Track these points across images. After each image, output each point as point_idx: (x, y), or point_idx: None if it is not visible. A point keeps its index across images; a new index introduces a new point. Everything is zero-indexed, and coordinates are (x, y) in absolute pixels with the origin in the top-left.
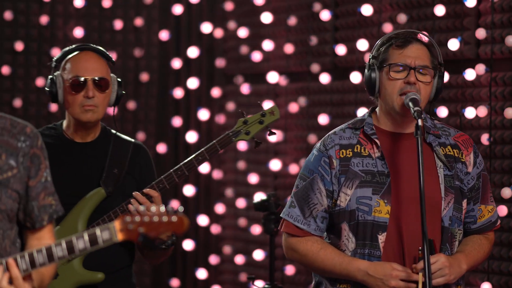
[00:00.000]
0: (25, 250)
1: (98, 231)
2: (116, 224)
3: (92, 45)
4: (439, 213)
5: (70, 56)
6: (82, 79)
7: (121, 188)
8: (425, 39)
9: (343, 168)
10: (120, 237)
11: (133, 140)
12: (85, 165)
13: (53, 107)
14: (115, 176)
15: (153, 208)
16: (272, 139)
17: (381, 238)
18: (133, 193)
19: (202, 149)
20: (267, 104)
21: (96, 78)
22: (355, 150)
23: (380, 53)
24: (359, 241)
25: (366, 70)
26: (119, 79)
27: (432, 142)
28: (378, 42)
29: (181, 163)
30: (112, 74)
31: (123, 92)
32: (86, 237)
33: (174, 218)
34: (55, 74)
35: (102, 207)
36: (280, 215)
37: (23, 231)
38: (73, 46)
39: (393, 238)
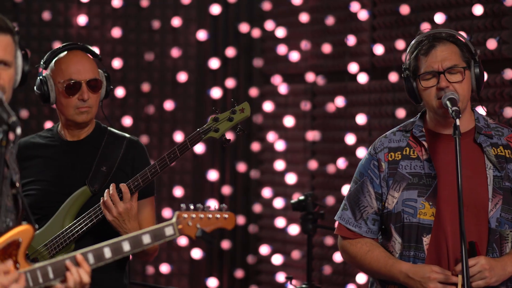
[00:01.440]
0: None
1: (162, 227)
2: (177, 220)
3: (78, 43)
4: (486, 215)
5: (59, 56)
6: (76, 82)
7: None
8: (449, 35)
9: (391, 171)
10: (181, 232)
11: (128, 135)
12: (75, 164)
13: None
14: (103, 174)
15: (200, 206)
16: (315, 137)
17: (426, 240)
18: (111, 185)
19: (175, 146)
20: (305, 104)
21: (90, 79)
22: (404, 152)
23: (411, 63)
24: (405, 243)
25: (404, 82)
26: (106, 74)
27: (483, 143)
28: (407, 52)
29: (155, 161)
30: (99, 70)
31: (111, 87)
32: (151, 232)
33: (225, 215)
34: (44, 75)
35: (90, 205)
36: (334, 218)
37: None
38: (61, 46)
39: (438, 240)
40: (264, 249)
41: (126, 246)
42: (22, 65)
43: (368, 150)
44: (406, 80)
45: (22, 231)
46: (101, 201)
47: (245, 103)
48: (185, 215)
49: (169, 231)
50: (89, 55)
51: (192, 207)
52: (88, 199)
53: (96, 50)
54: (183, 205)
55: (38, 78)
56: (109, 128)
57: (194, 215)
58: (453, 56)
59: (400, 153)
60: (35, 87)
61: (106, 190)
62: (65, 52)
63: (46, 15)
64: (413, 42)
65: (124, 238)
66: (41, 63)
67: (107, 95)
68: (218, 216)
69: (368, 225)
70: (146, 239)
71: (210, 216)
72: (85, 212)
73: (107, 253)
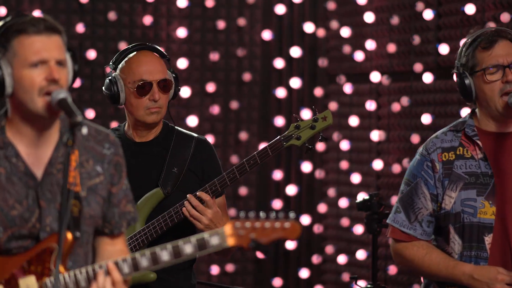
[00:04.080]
0: (127, 255)
1: (207, 236)
2: (226, 229)
3: (147, 43)
4: None
5: (129, 57)
6: (147, 82)
7: (182, 187)
8: (508, 33)
9: (446, 171)
10: (230, 242)
11: (196, 135)
12: (145, 165)
13: None
14: (174, 176)
15: (262, 214)
16: (381, 137)
17: (488, 239)
18: (188, 196)
19: (255, 153)
20: (370, 104)
21: (161, 80)
22: (458, 152)
23: (468, 58)
24: (466, 243)
25: (457, 79)
26: (174, 74)
27: None
28: (461, 48)
29: (233, 166)
30: (168, 71)
31: (179, 87)
32: (194, 241)
33: (287, 225)
34: (113, 75)
35: (162, 207)
36: (386, 221)
37: (96, 236)
38: (129, 46)
39: (500, 239)
40: (329, 249)
41: (165, 256)
42: (72, 65)
43: (418, 151)
44: (460, 77)
45: (57, 238)
46: (188, 213)
47: (327, 111)
48: (238, 224)
49: (215, 240)
50: (157, 55)
51: (252, 215)
52: (161, 200)
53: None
54: (242, 213)
55: (107, 78)
56: (176, 127)
57: (248, 224)
58: None
59: (454, 153)
60: (103, 88)
61: (185, 203)
62: (135, 53)
63: (112, 16)
64: (467, 38)
65: (164, 247)
66: (110, 63)
67: (175, 96)
68: (278, 225)
69: (423, 227)
70: (188, 249)
71: (268, 225)
72: (156, 215)
73: (144, 262)
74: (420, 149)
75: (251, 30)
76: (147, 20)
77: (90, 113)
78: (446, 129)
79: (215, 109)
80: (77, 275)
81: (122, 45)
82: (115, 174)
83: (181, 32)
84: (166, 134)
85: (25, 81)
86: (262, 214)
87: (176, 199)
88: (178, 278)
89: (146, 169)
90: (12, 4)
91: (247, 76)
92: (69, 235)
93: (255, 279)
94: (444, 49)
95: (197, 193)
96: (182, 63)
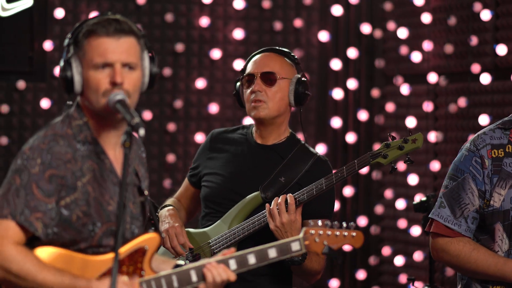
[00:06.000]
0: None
1: (289, 241)
2: (304, 236)
3: (275, 47)
4: None
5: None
6: (251, 74)
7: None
8: None
9: (495, 168)
10: (307, 248)
11: (318, 153)
12: (256, 167)
13: (212, 108)
14: (280, 184)
15: (328, 223)
16: (438, 138)
17: None
18: (281, 195)
19: (343, 166)
20: (427, 105)
21: (264, 72)
22: (507, 150)
23: None
24: None
25: None
26: (303, 78)
27: None
28: None
29: (322, 178)
30: (296, 74)
31: (307, 92)
32: (278, 246)
33: (353, 234)
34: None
35: (260, 212)
36: (429, 216)
37: None
38: (259, 50)
39: None
40: (386, 250)
41: (252, 259)
42: (150, 68)
43: (465, 147)
44: None
45: (148, 239)
46: (267, 208)
47: (419, 134)
48: (312, 231)
49: (295, 246)
50: (280, 55)
51: (320, 223)
52: (259, 205)
53: (218, 51)
54: (311, 221)
55: (236, 83)
56: (302, 142)
57: (321, 232)
58: None
59: (503, 151)
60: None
61: (274, 199)
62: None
63: (169, 17)
64: None
65: (250, 251)
66: (241, 69)
67: (298, 101)
68: (346, 234)
69: (467, 223)
70: (272, 253)
71: (338, 233)
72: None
73: (232, 265)
74: (467, 144)
75: (308, 31)
76: (204, 21)
77: (147, 115)
78: (494, 126)
79: None
80: (171, 276)
81: (179, 47)
82: (147, 177)
83: (238, 34)
84: (288, 144)
85: (91, 82)
86: (327, 222)
87: None
88: (277, 278)
89: (255, 170)
90: (69, 6)
91: None
92: (158, 236)
93: None
94: (502, 49)
95: (287, 195)
96: (238, 64)
